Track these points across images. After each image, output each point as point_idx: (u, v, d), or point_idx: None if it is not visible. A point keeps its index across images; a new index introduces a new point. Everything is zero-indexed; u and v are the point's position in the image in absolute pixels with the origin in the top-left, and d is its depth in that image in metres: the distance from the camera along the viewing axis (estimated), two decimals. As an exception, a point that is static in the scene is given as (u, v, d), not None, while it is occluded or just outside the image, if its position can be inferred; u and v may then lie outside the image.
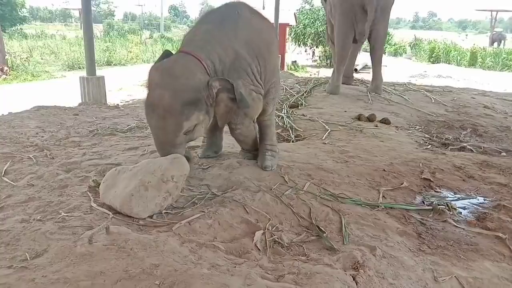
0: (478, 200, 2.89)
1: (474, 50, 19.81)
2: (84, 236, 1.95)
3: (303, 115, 5.05)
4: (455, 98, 6.71)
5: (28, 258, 1.83)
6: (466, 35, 48.30)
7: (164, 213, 2.36)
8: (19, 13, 28.78)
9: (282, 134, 4.40)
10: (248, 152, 3.26)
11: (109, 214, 2.25)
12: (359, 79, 7.88)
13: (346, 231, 2.30)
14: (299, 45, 16.76)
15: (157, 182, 2.33)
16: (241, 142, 3.18)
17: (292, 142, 4.15)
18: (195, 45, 2.54)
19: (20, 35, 23.17)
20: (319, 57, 17.33)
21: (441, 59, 20.68)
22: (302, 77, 11.26)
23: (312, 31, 16.34)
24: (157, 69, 2.42)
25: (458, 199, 2.89)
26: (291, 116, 4.97)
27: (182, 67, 2.38)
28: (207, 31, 2.62)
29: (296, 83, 7.27)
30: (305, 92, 6.37)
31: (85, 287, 1.63)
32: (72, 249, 1.85)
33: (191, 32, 2.77)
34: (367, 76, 12.61)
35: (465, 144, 4.31)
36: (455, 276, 1.95)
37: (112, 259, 1.79)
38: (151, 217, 2.30)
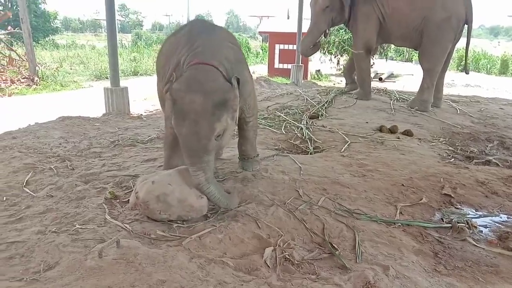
0: (501, 218, 2.77)
1: (505, 58, 19.19)
2: (95, 249, 1.98)
3: (323, 126, 5.00)
4: (482, 109, 6.53)
5: (41, 271, 1.87)
6: (498, 42, 46.94)
7: (176, 226, 2.37)
8: (52, 24, 29.92)
9: (301, 145, 4.37)
10: (248, 159, 3.29)
11: (121, 227, 2.27)
12: (382, 89, 7.75)
13: (359, 249, 2.24)
14: (324, 54, 16.63)
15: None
16: (250, 141, 3.23)
17: (310, 154, 4.11)
18: (202, 55, 2.57)
19: (52, 45, 23.96)
20: (344, 66, 17.18)
21: (470, 68, 20.11)
22: (324, 86, 11.19)
23: (337, 40, 16.20)
24: (180, 83, 2.38)
25: (480, 216, 2.78)
26: (311, 127, 4.93)
27: (204, 73, 2.43)
28: (204, 44, 2.66)
29: (318, 93, 7.23)
30: (326, 102, 6.32)
31: (92, 302, 1.64)
32: (83, 263, 1.88)
33: (185, 45, 2.73)
34: (392, 85, 12.42)
35: (490, 158, 4.17)
36: (471, 299, 1.87)
37: (120, 273, 1.80)
38: (163, 230, 2.31)
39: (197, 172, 2.34)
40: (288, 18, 20.64)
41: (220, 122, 2.33)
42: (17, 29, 13.11)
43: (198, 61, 2.51)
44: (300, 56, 11.46)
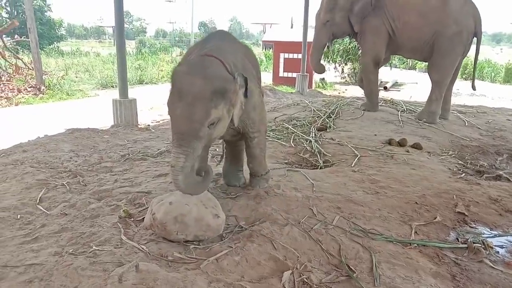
0: (516, 238, 2.76)
1: (510, 66, 19.20)
2: (114, 273, 1.97)
3: (332, 138, 5.00)
4: (489, 120, 6.52)
5: (61, 295, 1.87)
6: (501, 48, 47.00)
7: (192, 248, 2.36)
8: (57, 31, 30.14)
9: (310, 159, 4.37)
10: (255, 177, 3.27)
11: (138, 249, 2.27)
12: (389, 100, 7.75)
13: (377, 271, 2.23)
14: (328, 62, 16.68)
15: None
16: (257, 158, 3.17)
17: (320, 168, 4.11)
18: (210, 51, 2.59)
19: (57, 52, 24.09)
20: (348, 74, 17.22)
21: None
22: (330, 95, 11.21)
23: (341, 48, 16.27)
24: (183, 65, 2.47)
25: (495, 236, 2.77)
26: (319, 140, 4.93)
27: (210, 61, 2.45)
28: (214, 45, 2.71)
29: (325, 104, 7.23)
30: (334, 113, 6.32)
31: (114, 330, 1.64)
32: (103, 288, 1.88)
33: (198, 47, 2.82)
34: (397, 94, 12.42)
35: (501, 172, 4.16)
36: (493, 326, 1.85)
37: (141, 300, 1.80)
38: (179, 252, 2.31)
39: (179, 155, 2.26)
40: (291, 27, 20.70)
41: (217, 109, 2.31)
42: (24, 38, 13.22)
43: (206, 53, 2.55)
44: (305, 65, 11.51)
